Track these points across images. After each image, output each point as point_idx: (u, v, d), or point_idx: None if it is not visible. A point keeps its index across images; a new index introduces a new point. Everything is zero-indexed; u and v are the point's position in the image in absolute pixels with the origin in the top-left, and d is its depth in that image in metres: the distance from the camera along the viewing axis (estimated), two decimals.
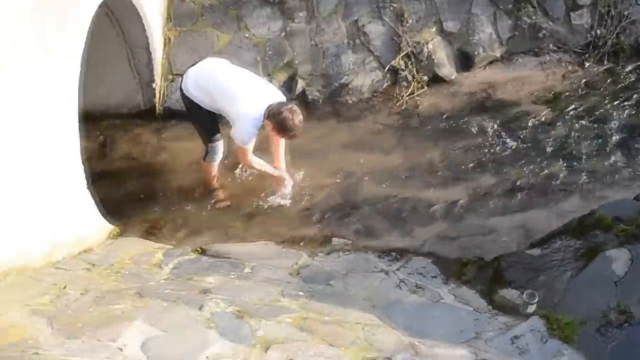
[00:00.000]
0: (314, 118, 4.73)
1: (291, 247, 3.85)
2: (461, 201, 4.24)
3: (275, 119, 3.81)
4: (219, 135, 4.05)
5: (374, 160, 4.56)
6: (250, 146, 3.91)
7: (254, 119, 3.80)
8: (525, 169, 4.39)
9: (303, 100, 4.85)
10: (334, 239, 4.00)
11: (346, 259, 3.71)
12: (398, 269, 3.58)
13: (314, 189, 4.34)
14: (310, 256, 3.69)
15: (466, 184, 4.35)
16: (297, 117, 3.78)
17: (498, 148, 4.56)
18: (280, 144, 4.12)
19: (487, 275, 3.48)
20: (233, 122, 3.83)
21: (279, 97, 3.94)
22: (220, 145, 4.09)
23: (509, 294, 3.27)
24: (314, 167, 4.47)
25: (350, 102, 4.96)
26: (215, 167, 4.17)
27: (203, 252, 3.72)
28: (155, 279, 3.23)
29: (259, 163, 4.03)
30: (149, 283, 3.11)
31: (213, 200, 4.24)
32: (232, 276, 3.29)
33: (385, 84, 4.97)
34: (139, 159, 4.66)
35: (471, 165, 4.47)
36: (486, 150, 4.55)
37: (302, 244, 3.93)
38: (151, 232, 4.07)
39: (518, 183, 4.34)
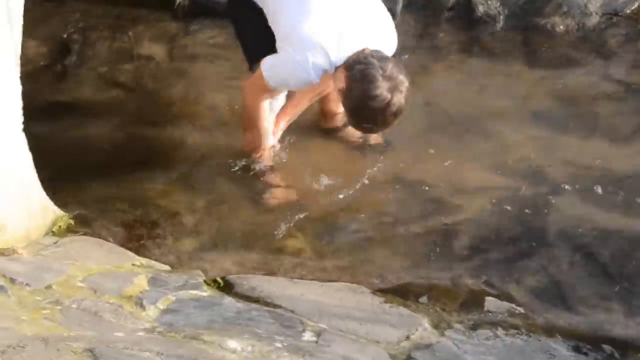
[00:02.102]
0: (481, 56, 5.05)
1: (400, 302, 3.89)
2: None
3: (351, 91, 3.90)
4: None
5: (588, 154, 4.70)
6: (278, 92, 4.21)
7: (314, 64, 3.95)
8: None
9: (465, 15, 5.26)
10: (488, 298, 3.97)
11: (510, 345, 3.67)
12: None
13: (464, 195, 4.50)
14: (436, 327, 3.71)
15: None
16: (395, 98, 3.87)
17: None
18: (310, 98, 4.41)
19: None
20: (279, 43, 4.06)
21: (386, 40, 4.10)
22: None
23: None
24: (469, 153, 4.68)
25: (557, 31, 5.27)
26: (266, 109, 4.36)
27: (227, 287, 3.82)
28: (128, 327, 3.29)
29: (264, 118, 4.30)
30: (114, 334, 3.17)
31: (261, 186, 4.46)
32: (278, 345, 3.30)
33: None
34: (129, 86, 5.06)
35: None
36: None
37: (422, 299, 3.96)
38: (133, 234, 4.22)
39: None
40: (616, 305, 3.97)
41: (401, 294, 3.95)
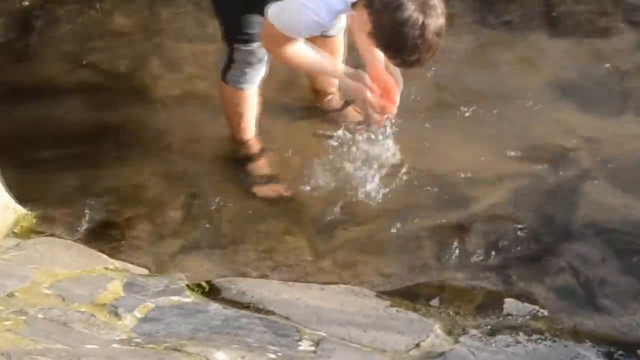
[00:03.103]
0: (497, 26, 4.94)
1: (408, 306, 3.93)
2: None
3: (379, 27, 3.79)
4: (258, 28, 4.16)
5: (619, 134, 4.76)
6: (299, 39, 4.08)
7: (324, 3, 3.88)
8: None
9: None
10: (507, 300, 4.01)
11: (532, 351, 3.72)
12: None
13: (479, 185, 4.53)
14: (449, 333, 3.76)
15: None
16: (429, 18, 3.73)
17: None
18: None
19: None
20: None
21: None
22: (258, 50, 4.21)
23: None
24: (484, 137, 4.68)
25: None
26: (249, 98, 4.38)
27: (213, 292, 3.86)
28: (102, 338, 3.30)
29: (307, 55, 4.11)
30: (86, 346, 3.18)
31: (248, 177, 4.51)
32: (271, 356, 3.32)
33: None
34: (100, 66, 5.03)
35: None
36: None
37: (434, 302, 4.00)
38: (106, 234, 4.24)
39: None
40: None
41: (410, 296, 3.97)
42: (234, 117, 4.47)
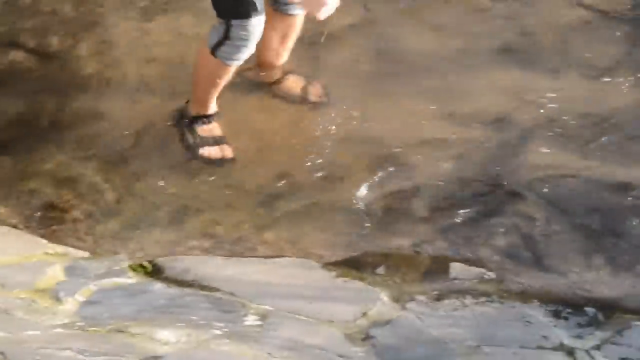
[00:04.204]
0: None
1: (355, 275, 3.94)
2: None
3: None
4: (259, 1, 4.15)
5: (560, 94, 4.80)
6: None
7: None
8: None
9: None
10: (453, 264, 4.04)
11: (480, 314, 3.74)
12: (598, 347, 3.61)
13: (422, 150, 4.57)
14: (396, 300, 3.76)
15: None
16: None
17: None
18: None
19: None
20: None
21: None
22: (257, 27, 4.18)
23: None
24: (426, 102, 4.70)
25: None
26: (229, 72, 4.35)
27: (156, 271, 3.86)
28: (44, 323, 3.32)
29: None
30: (27, 333, 3.21)
31: (198, 150, 4.50)
32: (217, 332, 3.36)
33: None
34: (31, 47, 4.99)
35: None
36: None
37: (380, 270, 4.00)
38: (44, 217, 4.22)
39: None
40: (599, 263, 4.04)
41: (355, 266, 3.99)
42: (208, 87, 4.42)
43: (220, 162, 4.44)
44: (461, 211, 4.28)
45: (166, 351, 3.18)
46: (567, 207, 4.28)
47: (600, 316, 3.76)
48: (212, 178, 4.40)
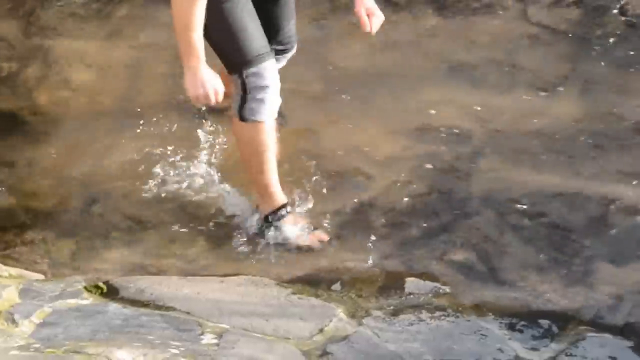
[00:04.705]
0: (383, 7, 4.66)
1: (310, 292, 3.96)
2: None
3: None
4: (266, 43, 4.03)
5: (511, 109, 4.84)
6: None
7: None
8: None
9: None
10: (408, 279, 4.06)
11: (436, 328, 3.76)
12: (553, 359, 3.64)
13: (375, 165, 4.57)
14: (353, 316, 3.78)
15: None
16: None
17: None
18: None
19: None
20: None
21: None
22: (271, 70, 4.03)
23: None
24: (379, 119, 4.72)
25: None
26: (268, 133, 4.12)
27: (111, 292, 3.84)
28: (0, 346, 3.28)
29: (198, 13, 3.82)
30: None
31: (295, 243, 4.25)
32: (174, 352, 3.34)
33: None
34: None
35: None
36: None
37: (335, 286, 4.03)
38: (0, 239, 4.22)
39: None
40: (553, 276, 4.08)
41: (311, 282, 4.01)
42: (261, 163, 4.15)
43: (320, 246, 4.22)
44: (415, 226, 4.29)
45: None
46: (521, 221, 4.31)
47: (555, 328, 3.79)
48: (168, 199, 4.39)
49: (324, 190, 4.42)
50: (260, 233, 4.21)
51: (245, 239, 4.22)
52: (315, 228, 4.24)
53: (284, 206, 4.20)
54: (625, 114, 4.76)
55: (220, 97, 3.91)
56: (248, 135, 4.08)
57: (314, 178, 4.46)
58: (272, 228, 4.19)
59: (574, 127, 4.71)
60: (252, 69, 3.96)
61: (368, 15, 4.03)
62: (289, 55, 4.35)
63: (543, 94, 4.90)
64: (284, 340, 3.54)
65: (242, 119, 4.03)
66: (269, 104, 4.02)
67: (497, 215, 4.34)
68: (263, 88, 3.98)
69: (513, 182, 4.48)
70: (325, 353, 3.49)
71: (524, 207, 4.37)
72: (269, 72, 3.99)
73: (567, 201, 4.38)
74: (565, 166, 4.55)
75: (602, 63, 5.03)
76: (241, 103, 4.01)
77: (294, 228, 4.21)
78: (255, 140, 4.09)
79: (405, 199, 4.40)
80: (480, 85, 4.94)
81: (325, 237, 4.24)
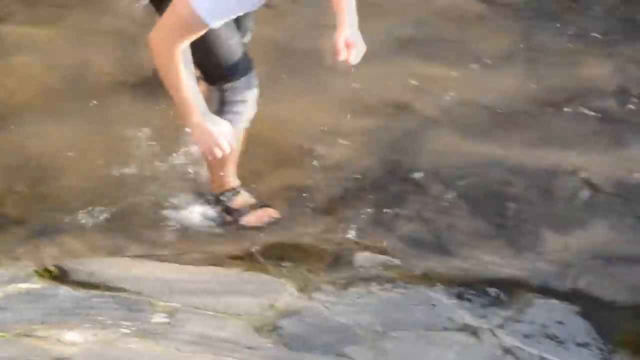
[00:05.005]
0: None
1: (260, 269, 3.94)
2: None
3: None
4: (245, 57, 3.98)
5: (457, 83, 4.91)
6: (205, 29, 3.65)
7: None
8: None
9: None
10: (358, 253, 4.07)
11: (385, 300, 3.77)
12: (501, 326, 3.66)
13: (322, 141, 4.58)
14: (303, 291, 3.77)
15: None
16: None
17: None
18: None
19: None
20: None
21: None
22: (251, 82, 4.01)
23: None
24: (325, 94, 4.77)
25: None
26: (239, 139, 4.12)
27: (61, 275, 3.79)
28: None
29: (186, 74, 3.75)
30: None
31: (240, 221, 4.26)
32: (125, 331, 3.34)
33: None
34: None
35: None
36: None
37: (285, 262, 4.00)
38: None
39: None
40: (500, 244, 4.13)
41: (258, 260, 3.98)
42: (223, 162, 4.12)
43: (268, 224, 4.23)
44: (364, 200, 4.30)
45: (74, 352, 3.14)
46: (468, 192, 4.36)
47: (503, 296, 3.82)
48: (118, 180, 4.37)
49: (272, 169, 4.43)
50: (212, 213, 4.23)
51: (196, 219, 4.21)
52: (265, 206, 4.24)
53: (234, 187, 4.22)
54: (569, 85, 4.83)
55: (233, 144, 3.89)
56: None
57: (262, 157, 4.46)
58: (222, 207, 4.21)
59: (520, 99, 4.78)
60: (231, 84, 3.95)
61: (348, 46, 3.97)
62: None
63: (490, 68, 4.95)
64: (235, 317, 3.52)
65: None
66: (246, 115, 4.02)
67: (445, 187, 4.37)
68: (242, 102, 3.98)
69: (460, 154, 4.53)
70: (276, 328, 3.49)
71: (471, 178, 4.42)
72: (249, 84, 3.97)
73: (512, 171, 4.44)
74: (511, 137, 4.61)
75: (548, 37, 5.09)
76: (218, 113, 3.97)
77: (244, 207, 4.22)
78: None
79: (354, 174, 4.42)
80: (428, 59, 4.99)
81: (275, 214, 4.25)
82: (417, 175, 4.43)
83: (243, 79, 3.96)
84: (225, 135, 3.83)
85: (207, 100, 4.00)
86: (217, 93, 4.00)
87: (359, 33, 3.99)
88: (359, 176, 4.42)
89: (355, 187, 4.39)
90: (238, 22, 4.04)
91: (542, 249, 4.11)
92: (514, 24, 5.20)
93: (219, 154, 3.84)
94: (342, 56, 3.96)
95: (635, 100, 4.80)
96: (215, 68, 3.96)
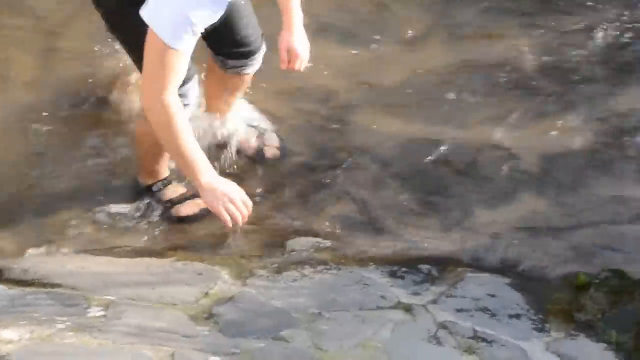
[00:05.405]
0: None
1: (194, 258, 3.93)
2: (577, 145, 4.52)
3: None
4: (191, 69, 3.69)
5: (378, 63, 4.88)
6: (182, 58, 3.38)
7: None
8: None
9: None
10: (291, 237, 4.10)
11: (319, 282, 3.80)
12: (435, 302, 3.72)
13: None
14: (237, 277, 3.78)
15: (587, 109, 4.68)
16: None
17: None
18: None
19: (633, 309, 3.70)
20: None
21: None
22: (192, 89, 3.83)
23: None
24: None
25: None
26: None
27: None
28: None
29: (182, 122, 3.46)
30: None
31: (170, 212, 4.20)
32: (60, 327, 3.33)
33: None
34: None
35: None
36: None
37: (218, 250, 4.04)
38: None
39: None
40: (430, 222, 4.18)
41: (195, 248, 4.00)
42: (156, 156, 4.10)
43: (200, 213, 4.14)
44: (294, 185, 4.31)
45: (10, 349, 3.12)
46: (397, 171, 4.38)
47: (435, 272, 3.88)
48: (45, 182, 4.32)
49: None
50: (143, 204, 4.20)
51: (127, 211, 4.19)
52: (196, 196, 4.13)
53: (165, 178, 4.20)
54: (488, 60, 4.88)
55: (250, 206, 3.58)
56: (154, 136, 3.92)
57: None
58: (154, 198, 4.19)
59: (441, 77, 4.80)
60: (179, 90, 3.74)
61: (291, 54, 3.96)
62: (256, 57, 4.09)
63: (411, 46, 4.95)
64: (170, 307, 3.53)
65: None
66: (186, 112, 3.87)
67: (373, 167, 4.40)
68: (185, 106, 3.76)
69: (385, 134, 4.54)
70: (211, 315, 3.50)
71: (398, 157, 4.44)
72: (192, 91, 3.85)
73: (438, 148, 4.46)
74: (435, 115, 4.63)
75: (466, 14, 5.12)
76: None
77: (175, 197, 4.20)
78: (152, 141, 3.95)
79: (282, 158, 4.42)
80: (349, 42, 4.94)
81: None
82: (345, 156, 4.44)
83: (189, 84, 3.78)
84: (241, 195, 3.56)
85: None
86: None
87: (303, 32, 3.97)
88: (287, 161, 4.42)
89: (284, 172, 4.39)
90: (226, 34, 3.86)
91: (472, 224, 4.16)
92: (431, 3, 5.21)
93: (240, 215, 3.53)
94: (285, 65, 3.98)
95: (553, 71, 4.86)
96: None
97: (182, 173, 3.76)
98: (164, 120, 3.40)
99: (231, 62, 4.06)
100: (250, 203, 3.56)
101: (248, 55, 4.06)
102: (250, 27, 3.99)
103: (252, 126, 4.44)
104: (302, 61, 4.00)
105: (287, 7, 3.94)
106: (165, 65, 3.34)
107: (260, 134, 4.42)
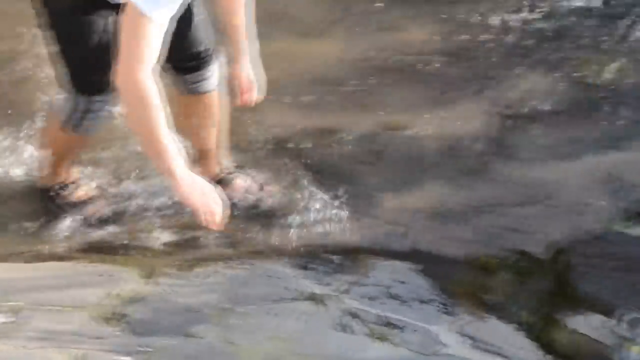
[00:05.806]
0: None
1: (102, 259, 3.91)
2: (479, 130, 4.60)
3: None
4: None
5: (283, 53, 4.95)
6: (157, 30, 3.20)
7: None
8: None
9: None
10: (201, 234, 4.07)
11: (230, 278, 3.81)
12: (346, 291, 3.75)
13: None
14: (148, 277, 3.78)
15: (488, 94, 4.77)
16: None
17: None
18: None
19: (539, 290, 3.72)
20: None
21: None
22: (103, 104, 3.80)
23: (589, 324, 3.48)
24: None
25: None
26: (83, 143, 4.04)
27: None
28: None
29: (162, 123, 3.24)
30: None
31: (79, 215, 4.16)
32: None
33: None
34: None
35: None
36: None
37: (129, 250, 4.04)
38: None
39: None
40: (340, 212, 4.20)
41: (104, 250, 3.98)
42: (63, 154, 4.06)
43: (107, 216, 4.14)
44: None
45: None
46: (306, 162, 4.45)
47: (347, 262, 3.92)
48: None
49: (104, 158, 4.43)
50: (52, 207, 4.17)
51: (33, 215, 4.17)
52: (101, 198, 4.22)
53: (70, 180, 4.18)
54: (393, 50, 4.95)
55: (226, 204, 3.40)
56: (66, 140, 3.97)
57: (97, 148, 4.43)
58: (58, 202, 4.17)
59: (345, 67, 4.88)
60: (94, 98, 3.77)
61: (243, 89, 3.93)
62: (210, 68, 3.95)
63: (312, 40, 5.04)
64: (79, 309, 3.52)
65: (69, 129, 3.87)
66: (102, 123, 3.88)
67: (283, 160, 4.43)
68: (98, 115, 3.82)
69: (288, 126, 4.62)
70: (122, 316, 3.49)
71: (306, 149, 4.50)
72: (101, 104, 3.81)
73: (344, 137, 4.55)
74: (340, 104, 4.72)
75: (369, 5, 5.21)
76: (75, 118, 3.83)
77: (83, 199, 4.18)
78: (70, 145, 4.02)
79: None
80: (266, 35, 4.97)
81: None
82: (257, 150, 4.50)
83: (97, 96, 3.76)
84: (215, 190, 3.37)
85: None
86: (80, 98, 3.78)
87: (254, 59, 3.92)
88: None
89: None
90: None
91: (381, 212, 4.21)
92: None
93: (218, 217, 3.36)
94: (239, 102, 3.97)
95: (456, 59, 4.94)
96: (86, 73, 3.74)
97: (154, 165, 3.45)
98: (139, 96, 3.18)
99: (189, 77, 3.92)
100: (227, 201, 3.40)
101: (202, 64, 3.93)
102: (200, 30, 3.88)
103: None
104: (251, 98, 3.98)
105: (236, 36, 3.88)
106: (140, 36, 3.16)
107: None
